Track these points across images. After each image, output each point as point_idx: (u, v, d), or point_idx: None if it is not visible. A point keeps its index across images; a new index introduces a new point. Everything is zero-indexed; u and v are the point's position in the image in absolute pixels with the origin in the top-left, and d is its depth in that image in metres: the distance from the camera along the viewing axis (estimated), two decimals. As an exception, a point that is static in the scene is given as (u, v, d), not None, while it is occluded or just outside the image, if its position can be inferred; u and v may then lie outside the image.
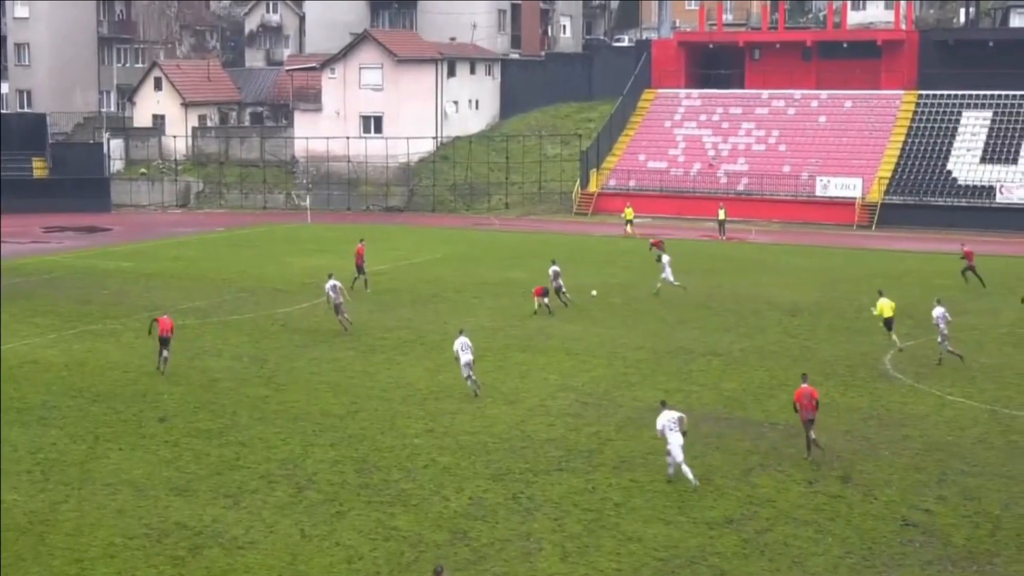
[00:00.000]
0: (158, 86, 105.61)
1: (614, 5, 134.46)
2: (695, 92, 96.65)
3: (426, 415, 34.49)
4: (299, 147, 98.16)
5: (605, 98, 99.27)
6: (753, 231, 79.02)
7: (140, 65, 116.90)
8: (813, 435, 30.60)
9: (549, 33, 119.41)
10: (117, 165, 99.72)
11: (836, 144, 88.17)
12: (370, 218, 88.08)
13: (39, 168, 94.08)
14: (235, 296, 53.52)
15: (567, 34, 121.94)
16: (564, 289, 50.75)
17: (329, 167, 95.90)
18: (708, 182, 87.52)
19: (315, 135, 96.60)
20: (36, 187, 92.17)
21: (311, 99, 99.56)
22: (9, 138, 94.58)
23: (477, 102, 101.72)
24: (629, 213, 78.06)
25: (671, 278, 53.43)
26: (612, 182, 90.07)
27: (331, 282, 46.18)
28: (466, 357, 36.19)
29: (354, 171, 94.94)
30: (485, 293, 54.22)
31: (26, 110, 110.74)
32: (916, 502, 27.50)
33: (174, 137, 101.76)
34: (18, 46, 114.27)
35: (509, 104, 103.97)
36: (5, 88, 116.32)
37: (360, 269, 54.71)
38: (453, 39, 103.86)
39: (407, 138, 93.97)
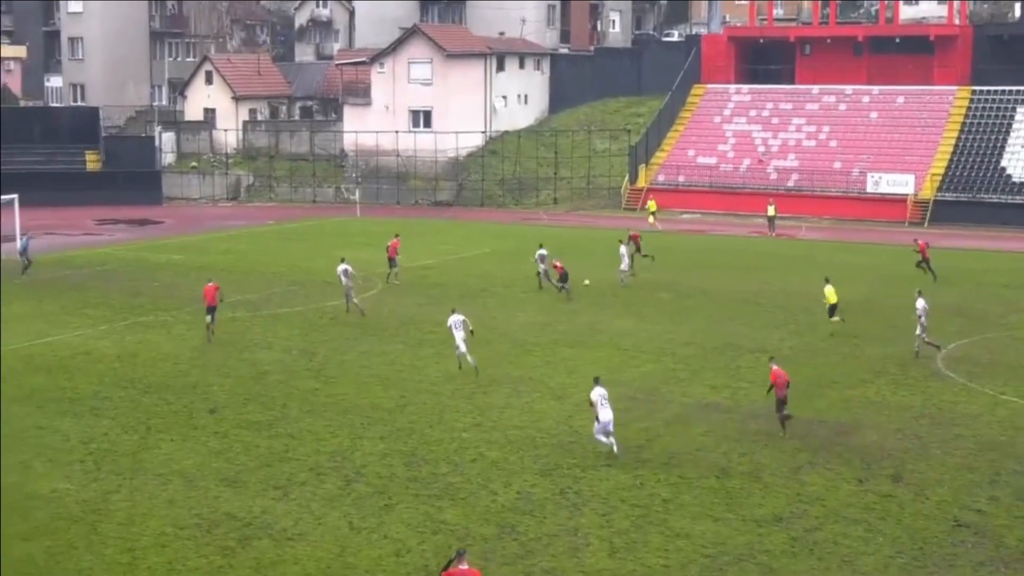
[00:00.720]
0: (209, 80, 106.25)
1: (664, 0, 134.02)
2: (745, 87, 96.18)
3: (475, 409, 34.53)
4: (348, 141, 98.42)
5: (654, 93, 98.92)
6: (803, 228, 78.54)
7: (191, 59, 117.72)
8: (786, 412, 32.08)
9: (598, 28, 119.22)
10: (168, 158, 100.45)
11: (888, 140, 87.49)
12: (419, 212, 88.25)
13: (92, 161, 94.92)
14: (285, 289, 53.82)
15: (616, 29, 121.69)
16: (547, 273, 52.94)
17: (378, 161, 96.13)
18: (758, 178, 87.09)
19: (364, 129, 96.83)
20: (89, 180, 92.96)
21: (360, 93, 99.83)
22: (62, 131, 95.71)
23: (526, 97, 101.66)
24: (652, 206, 79.14)
25: (625, 268, 54.75)
26: (661, 177, 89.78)
27: (342, 266, 48.14)
28: (460, 335, 37.94)
29: (403, 165, 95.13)
30: (533, 288, 54.16)
31: (80, 104, 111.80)
32: (968, 502, 27.25)
33: (225, 131, 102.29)
34: (72, 40, 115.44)
35: (558, 99, 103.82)
36: (59, 82, 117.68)
37: (392, 262, 55.46)
38: (502, 34, 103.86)
39: (456, 132, 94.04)
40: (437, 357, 40.77)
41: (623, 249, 55.44)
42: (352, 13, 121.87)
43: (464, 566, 19.74)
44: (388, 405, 34.90)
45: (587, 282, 53.49)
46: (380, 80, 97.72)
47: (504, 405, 35.00)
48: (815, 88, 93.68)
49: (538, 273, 53.90)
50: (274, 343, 43.09)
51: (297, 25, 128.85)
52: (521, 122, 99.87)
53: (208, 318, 43.65)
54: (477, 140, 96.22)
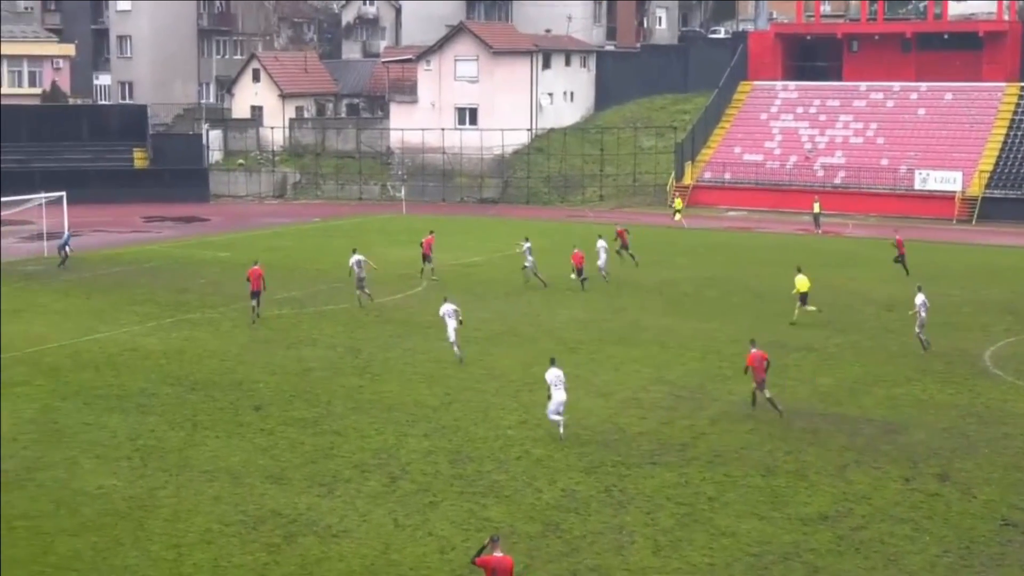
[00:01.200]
0: (256, 78, 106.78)
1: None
2: (792, 84, 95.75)
3: (519, 407, 34.50)
4: (395, 138, 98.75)
5: (700, 90, 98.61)
6: (850, 225, 78.07)
7: (239, 57, 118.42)
8: (768, 394, 32.98)
9: (645, 25, 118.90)
10: (216, 156, 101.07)
11: (936, 137, 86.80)
12: (464, 209, 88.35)
13: (140, 159, 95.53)
14: (330, 286, 53.96)
15: (663, 26, 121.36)
16: (534, 267, 53.69)
17: (424, 158, 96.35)
18: (804, 175, 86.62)
19: (410, 127, 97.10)
20: (137, 177, 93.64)
21: (407, 91, 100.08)
22: (111, 129, 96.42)
23: (572, 94, 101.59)
24: (679, 203, 79.81)
25: (602, 263, 54.84)
26: (707, 175, 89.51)
27: (356, 257, 49.15)
28: (452, 323, 39.16)
29: (449, 162, 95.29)
30: (578, 286, 54.07)
31: (128, 101, 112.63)
32: (1016, 501, 26.99)
33: (271, 128, 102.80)
34: (120, 38, 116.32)
35: (604, 96, 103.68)
36: (108, 80, 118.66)
37: (427, 258, 55.94)
38: (548, 31, 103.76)
39: (502, 130, 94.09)
40: (481, 355, 40.76)
41: (601, 243, 55.52)
42: (399, 11, 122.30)
43: (498, 553, 19.86)
44: (433, 402, 34.93)
45: (573, 276, 53.84)
46: (426, 77, 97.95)
47: (549, 402, 34.96)
48: (863, 85, 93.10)
49: (524, 267, 54.25)
50: (319, 340, 43.23)
51: (344, 23, 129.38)
52: (567, 119, 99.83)
53: (253, 302, 45.65)
54: (523, 137, 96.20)
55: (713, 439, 31.53)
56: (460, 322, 39.93)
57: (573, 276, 53.50)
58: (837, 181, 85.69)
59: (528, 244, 54.51)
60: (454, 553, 23.99)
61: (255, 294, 45.70)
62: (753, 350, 33.71)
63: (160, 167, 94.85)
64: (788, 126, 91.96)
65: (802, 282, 46.21)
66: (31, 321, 46.49)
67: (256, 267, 46.43)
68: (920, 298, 41.10)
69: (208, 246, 68.05)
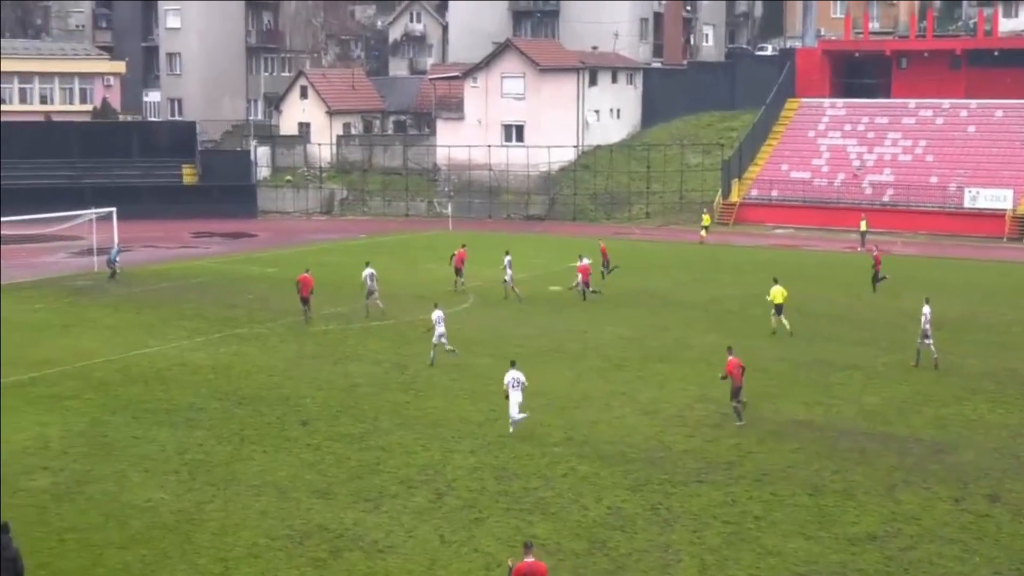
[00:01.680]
0: (304, 94, 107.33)
1: (758, 14, 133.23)
2: (840, 102, 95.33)
3: (565, 424, 34.45)
4: (441, 155, 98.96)
5: (747, 107, 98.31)
6: (899, 243, 77.53)
7: (286, 74, 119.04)
8: (741, 401, 34.18)
9: (691, 42, 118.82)
10: (263, 172, 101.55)
11: (986, 155, 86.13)
12: (510, 226, 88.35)
13: (188, 175, 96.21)
14: (376, 302, 54.05)
15: (709, 43, 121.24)
16: (511, 281, 54.87)
17: (471, 175, 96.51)
18: (852, 193, 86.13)
19: (457, 143, 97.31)
20: (185, 193, 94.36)
21: (453, 108, 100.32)
22: (160, 145, 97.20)
23: (618, 111, 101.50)
24: (706, 220, 79.63)
25: (508, 278, 55.33)
26: (754, 192, 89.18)
27: (368, 270, 50.78)
28: (439, 329, 41.46)
29: (495, 179, 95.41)
30: (624, 303, 54.02)
31: (177, 118, 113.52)
32: (1068, 523, 26.73)
33: (319, 145, 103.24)
34: (170, 56, 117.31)
35: (650, 113, 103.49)
36: (158, 96, 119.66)
37: (459, 272, 56.80)
38: (595, 48, 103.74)
39: (548, 147, 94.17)
40: (527, 372, 40.58)
41: (585, 261, 55.84)
42: (445, 28, 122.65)
43: (530, 559, 20.06)
44: (478, 418, 34.94)
45: (574, 287, 54.88)
46: (473, 94, 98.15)
47: (595, 420, 34.91)
48: (911, 102, 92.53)
49: (504, 281, 55.17)
50: (365, 356, 43.36)
51: (391, 40, 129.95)
52: (613, 136, 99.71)
53: (305, 307, 48.87)
54: (569, 154, 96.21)
55: (759, 457, 31.37)
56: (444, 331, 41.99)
57: (574, 287, 54.84)
58: (885, 199, 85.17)
59: (508, 258, 55.64)
60: (499, 570, 23.89)
61: (305, 300, 48.87)
62: (731, 357, 34.43)
63: (209, 183, 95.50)
64: (836, 143, 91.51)
65: (777, 293, 46.95)
66: (81, 336, 46.94)
67: (306, 274, 49.62)
68: (926, 310, 41.36)
69: (256, 262, 68.43)
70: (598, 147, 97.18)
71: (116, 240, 64.14)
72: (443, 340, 41.69)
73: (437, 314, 41.92)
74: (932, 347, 41.22)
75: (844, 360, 42.67)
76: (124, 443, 32.49)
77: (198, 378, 39.87)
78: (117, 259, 60.59)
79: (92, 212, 66.60)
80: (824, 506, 27.70)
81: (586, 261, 55.29)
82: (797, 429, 33.92)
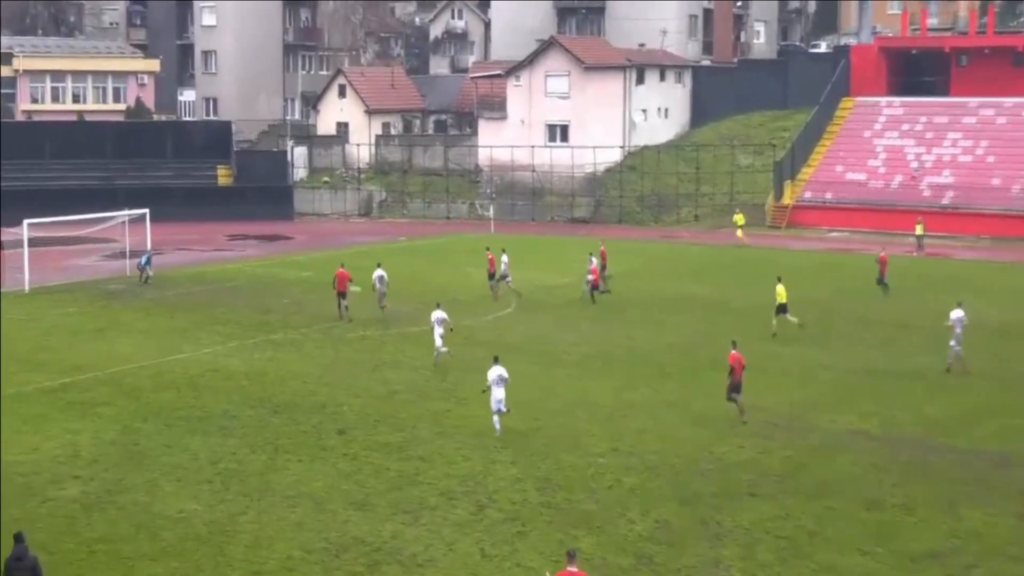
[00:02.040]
0: (342, 93, 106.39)
1: (811, 10, 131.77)
2: (897, 100, 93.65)
3: (611, 434, 33.62)
4: (483, 156, 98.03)
5: (801, 107, 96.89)
6: (959, 247, 75.83)
7: (324, 72, 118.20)
8: (739, 399, 34.32)
9: (742, 39, 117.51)
10: (300, 173, 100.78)
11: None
12: (555, 229, 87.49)
13: (224, 176, 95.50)
14: (415, 307, 52.90)
15: (761, 40, 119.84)
16: (510, 280, 55.49)
17: (513, 176, 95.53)
18: (910, 195, 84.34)
19: (499, 144, 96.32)
20: (220, 194, 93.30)
21: (496, 107, 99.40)
22: (195, 145, 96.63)
23: (666, 110, 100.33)
24: (740, 219, 78.89)
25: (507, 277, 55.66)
26: (808, 194, 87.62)
27: (378, 272, 51.08)
28: (439, 330, 41.41)
29: (539, 181, 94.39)
30: (672, 309, 53.04)
31: (212, 118, 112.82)
32: None
33: (357, 145, 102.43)
34: (205, 54, 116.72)
35: (700, 112, 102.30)
36: (192, 95, 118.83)
37: (492, 275, 55.99)
38: (642, 45, 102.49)
39: (593, 147, 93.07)
40: (571, 379, 39.93)
41: (504, 259, 55.80)
42: (488, 25, 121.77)
43: (573, 568, 19.97)
44: (521, 428, 34.05)
45: (357, 289, 54.18)
46: (516, 93, 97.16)
47: (642, 429, 34.05)
48: (972, 101, 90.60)
49: (504, 279, 55.47)
50: (404, 362, 42.56)
51: (432, 37, 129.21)
52: (661, 136, 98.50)
53: (344, 302, 49.45)
54: (615, 155, 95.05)
55: (814, 470, 30.55)
56: (450, 329, 42.31)
57: (586, 288, 54.31)
58: (945, 201, 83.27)
59: (506, 259, 55.35)
60: (542, 586, 23.17)
61: (341, 295, 49.48)
62: (733, 351, 34.94)
63: (244, 184, 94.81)
64: (893, 144, 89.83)
65: (780, 293, 46.74)
66: (114, 340, 46.51)
67: (342, 269, 50.44)
68: (957, 313, 40.62)
69: (291, 265, 67.80)
70: (645, 148, 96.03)
71: (149, 244, 63.61)
72: (439, 342, 41.59)
73: (437, 314, 41.63)
74: (959, 351, 40.43)
75: (904, 368, 41.64)
76: (156, 451, 31.92)
77: (232, 384, 39.21)
78: (148, 265, 59.97)
79: (125, 214, 66.08)
80: (882, 521, 26.91)
81: (595, 262, 54.96)
82: (853, 440, 33.05)
